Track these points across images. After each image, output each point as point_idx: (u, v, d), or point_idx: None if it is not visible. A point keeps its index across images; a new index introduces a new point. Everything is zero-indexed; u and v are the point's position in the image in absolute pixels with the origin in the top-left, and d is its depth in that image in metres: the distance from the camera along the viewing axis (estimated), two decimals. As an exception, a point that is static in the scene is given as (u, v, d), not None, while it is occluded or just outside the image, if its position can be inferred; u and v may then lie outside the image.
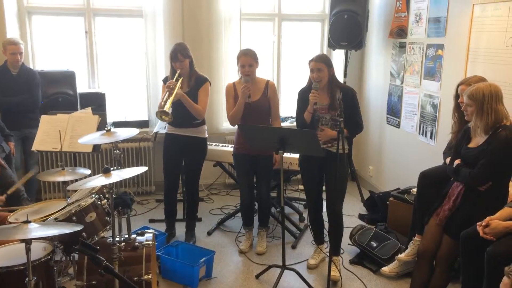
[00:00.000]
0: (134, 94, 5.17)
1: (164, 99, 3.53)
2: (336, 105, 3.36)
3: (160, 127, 4.64)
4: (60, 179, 3.18)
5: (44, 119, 3.63)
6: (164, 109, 3.43)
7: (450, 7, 3.84)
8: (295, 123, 3.67)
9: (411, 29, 4.41)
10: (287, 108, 5.25)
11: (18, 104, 4.15)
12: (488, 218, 2.59)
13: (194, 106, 3.68)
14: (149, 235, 2.89)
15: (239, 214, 4.26)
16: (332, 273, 3.44)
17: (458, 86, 3.20)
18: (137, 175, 3.99)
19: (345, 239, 3.93)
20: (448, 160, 3.06)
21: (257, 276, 3.49)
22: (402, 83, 4.61)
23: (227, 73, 5.03)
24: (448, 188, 2.97)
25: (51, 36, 4.85)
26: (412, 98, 4.45)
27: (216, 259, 3.59)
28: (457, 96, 3.20)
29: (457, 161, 2.88)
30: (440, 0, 3.95)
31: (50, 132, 3.53)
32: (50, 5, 4.76)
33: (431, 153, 4.06)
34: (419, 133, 4.34)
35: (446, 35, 3.90)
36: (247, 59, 3.61)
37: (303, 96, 3.47)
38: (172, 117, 3.48)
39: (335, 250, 3.50)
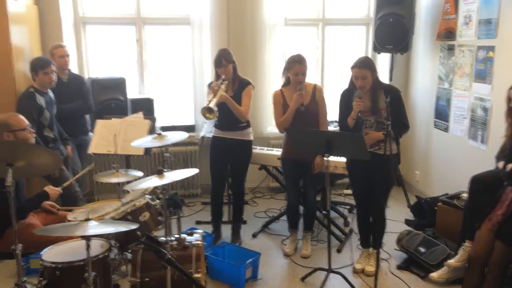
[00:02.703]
0: (181, 99, 5.33)
1: (209, 100, 3.60)
2: (379, 107, 3.32)
3: (207, 131, 4.75)
4: (114, 180, 3.33)
5: (100, 123, 3.81)
6: (210, 105, 3.49)
7: (501, 8, 3.74)
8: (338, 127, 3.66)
9: (460, 31, 4.32)
10: (332, 112, 5.23)
11: (75, 110, 4.28)
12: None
13: (238, 108, 3.75)
14: (198, 235, 2.98)
15: (283, 218, 4.30)
16: (368, 268, 3.57)
17: (509, 89, 3.12)
18: (184, 178, 4.11)
19: (392, 244, 3.90)
20: (501, 164, 2.98)
21: (303, 279, 3.51)
22: (451, 86, 4.52)
23: (271, 78, 5.08)
24: (501, 193, 2.90)
25: (104, 44, 5.08)
26: (461, 102, 4.35)
27: (261, 261, 3.63)
28: (508, 99, 3.11)
29: (511, 165, 2.81)
30: (491, 1, 3.86)
31: (105, 136, 3.70)
32: (103, 15, 4.99)
33: (482, 158, 3.95)
34: (469, 137, 4.24)
35: (498, 37, 3.80)
36: (302, 68, 3.60)
37: (346, 99, 3.47)
38: (216, 114, 3.51)
39: (377, 243, 3.47)
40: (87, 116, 4.57)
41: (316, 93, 3.71)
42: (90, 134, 4.55)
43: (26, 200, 3.10)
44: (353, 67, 3.33)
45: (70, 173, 4.02)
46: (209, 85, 3.93)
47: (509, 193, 2.83)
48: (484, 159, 3.86)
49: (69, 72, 4.35)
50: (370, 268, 3.56)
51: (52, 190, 3.16)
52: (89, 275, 2.35)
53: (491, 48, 3.88)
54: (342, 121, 3.50)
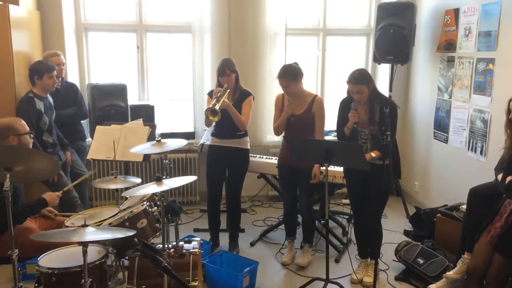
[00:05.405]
0: (181, 106, 5.34)
1: (212, 103, 3.59)
2: (375, 119, 3.33)
3: (206, 138, 4.74)
4: (113, 186, 3.32)
5: (99, 129, 3.81)
6: (215, 107, 3.48)
7: (501, 21, 3.76)
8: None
9: (460, 43, 4.34)
10: (332, 122, 5.23)
11: (71, 116, 4.28)
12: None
13: (239, 117, 3.77)
14: (195, 243, 2.96)
15: (282, 226, 4.28)
16: (366, 278, 3.56)
17: (509, 101, 3.13)
18: (183, 185, 4.10)
19: (391, 255, 3.89)
20: (500, 176, 2.98)
21: (300, 289, 3.49)
22: (450, 97, 4.53)
23: (272, 87, 5.09)
24: (500, 205, 2.89)
25: (105, 51, 5.09)
26: (461, 113, 4.36)
27: (259, 270, 3.60)
28: (508, 111, 3.12)
29: (509, 178, 2.81)
30: (491, 14, 3.88)
31: (104, 142, 3.70)
32: (105, 22, 5.01)
33: (481, 169, 3.96)
34: (468, 149, 4.24)
35: (498, 49, 3.82)
36: (282, 81, 3.62)
37: (344, 108, 3.49)
38: (219, 116, 3.50)
39: (374, 253, 3.51)
40: (84, 123, 4.58)
41: (314, 104, 3.69)
42: (88, 140, 4.56)
43: (25, 205, 3.09)
44: (348, 82, 3.32)
45: (69, 178, 4.01)
46: (209, 94, 3.94)
47: (507, 205, 2.83)
48: (483, 171, 3.86)
49: (62, 80, 4.32)
50: (368, 279, 3.54)
51: (50, 196, 3.15)
52: (86, 282, 2.33)
53: (491, 61, 3.90)
54: (339, 129, 3.53)
